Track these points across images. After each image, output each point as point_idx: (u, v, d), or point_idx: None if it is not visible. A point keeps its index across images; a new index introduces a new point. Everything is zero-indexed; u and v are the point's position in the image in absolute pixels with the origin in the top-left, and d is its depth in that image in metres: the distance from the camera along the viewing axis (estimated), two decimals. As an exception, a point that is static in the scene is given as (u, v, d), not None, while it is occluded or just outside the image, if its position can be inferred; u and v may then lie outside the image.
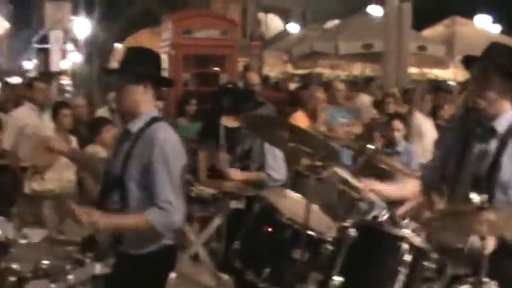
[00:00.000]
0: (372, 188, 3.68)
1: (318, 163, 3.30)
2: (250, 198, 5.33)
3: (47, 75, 16.09)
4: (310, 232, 3.46)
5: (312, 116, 6.94)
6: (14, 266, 3.18)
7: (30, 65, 46.23)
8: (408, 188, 3.96)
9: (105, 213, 3.47)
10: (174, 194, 3.44)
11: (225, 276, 6.58)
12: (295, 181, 6.50)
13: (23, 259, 3.28)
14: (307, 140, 3.49)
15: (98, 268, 3.44)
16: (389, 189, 3.85)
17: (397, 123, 6.76)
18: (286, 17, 25.34)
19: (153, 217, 3.41)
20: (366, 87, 11.49)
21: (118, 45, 22.63)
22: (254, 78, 8.19)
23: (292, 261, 3.50)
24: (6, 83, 15.37)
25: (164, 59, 10.59)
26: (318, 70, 17.53)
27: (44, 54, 40.40)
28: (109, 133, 6.70)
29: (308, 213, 3.36)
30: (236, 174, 5.58)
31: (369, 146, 3.90)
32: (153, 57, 3.73)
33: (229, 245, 6.23)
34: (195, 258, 6.31)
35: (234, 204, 5.49)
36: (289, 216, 3.54)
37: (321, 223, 3.78)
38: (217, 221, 5.92)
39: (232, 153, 5.71)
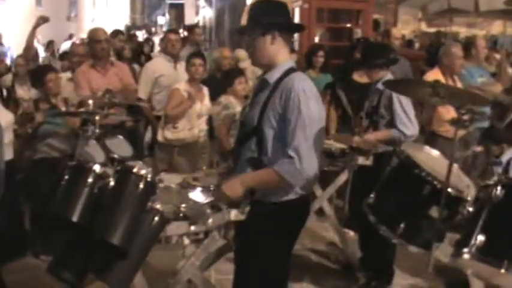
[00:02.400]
0: None
1: (465, 117, 3.14)
2: (378, 155, 5.24)
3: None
4: (450, 190, 3.33)
5: (448, 73, 6.67)
6: (158, 206, 3.28)
7: (163, 20, 47.52)
8: None
9: (236, 176, 3.52)
10: (305, 143, 3.38)
11: (350, 232, 6.55)
12: (430, 141, 6.33)
13: (164, 201, 3.38)
14: (453, 94, 3.34)
15: (234, 214, 3.49)
16: None
17: None
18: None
19: (282, 168, 3.39)
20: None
21: (250, 1, 22.75)
22: (398, 33, 8.21)
23: (429, 218, 3.40)
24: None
25: (297, 13, 10.55)
26: (453, 29, 16.84)
27: (177, 10, 41.41)
28: (241, 85, 6.78)
29: (450, 170, 3.23)
30: (369, 136, 5.46)
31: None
32: (277, 6, 3.70)
33: (353, 201, 6.18)
34: (320, 213, 6.29)
35: (361, 161, 5.38)
36: (430, 172, 3.42)
37: (460, 182, 3.64)
38: (343, 177, 5.85)
39: (361, 109, 5.60)
